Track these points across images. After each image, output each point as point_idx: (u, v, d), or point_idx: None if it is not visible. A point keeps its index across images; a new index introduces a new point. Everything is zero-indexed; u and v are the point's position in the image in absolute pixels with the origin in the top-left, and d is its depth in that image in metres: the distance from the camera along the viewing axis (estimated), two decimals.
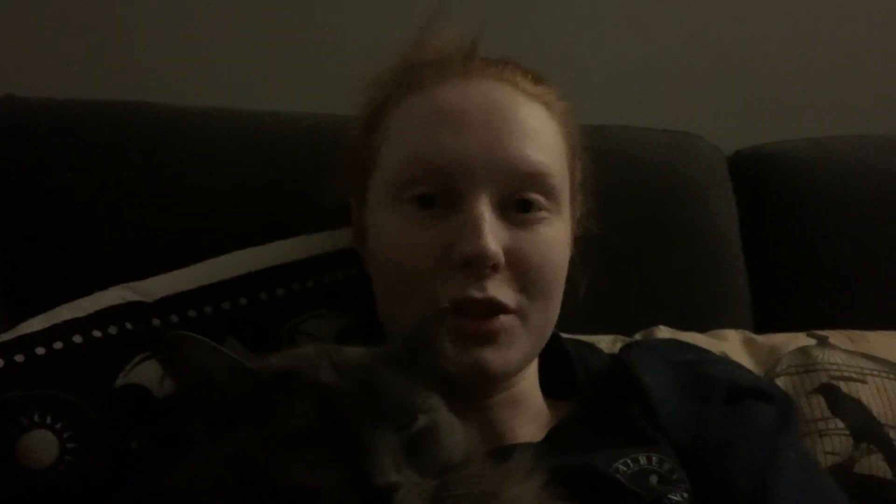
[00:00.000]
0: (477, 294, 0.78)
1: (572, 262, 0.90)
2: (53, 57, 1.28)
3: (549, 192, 0.83)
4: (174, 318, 0.89)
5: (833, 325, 1.11)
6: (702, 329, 1.10)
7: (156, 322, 0.89)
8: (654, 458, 0.78)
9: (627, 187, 1.15)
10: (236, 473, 0.59)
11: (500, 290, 0.79)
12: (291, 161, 1.07)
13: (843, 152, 1.27)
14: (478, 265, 0.78)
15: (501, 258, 0.79)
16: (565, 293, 0.87)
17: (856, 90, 1.47)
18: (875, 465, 0.99)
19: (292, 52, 1.33)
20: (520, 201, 0.82)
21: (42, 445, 0.80)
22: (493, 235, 0.79)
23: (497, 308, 0.79)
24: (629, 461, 0.77)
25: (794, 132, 1.30)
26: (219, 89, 1.28)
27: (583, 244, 0.93)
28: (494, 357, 0.80)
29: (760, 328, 1.15)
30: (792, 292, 1.20)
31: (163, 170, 1.06)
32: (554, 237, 0.84)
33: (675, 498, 0.74)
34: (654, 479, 0.76)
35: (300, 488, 0.58)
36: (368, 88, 0.92)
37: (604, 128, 1.16)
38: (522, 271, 0.81)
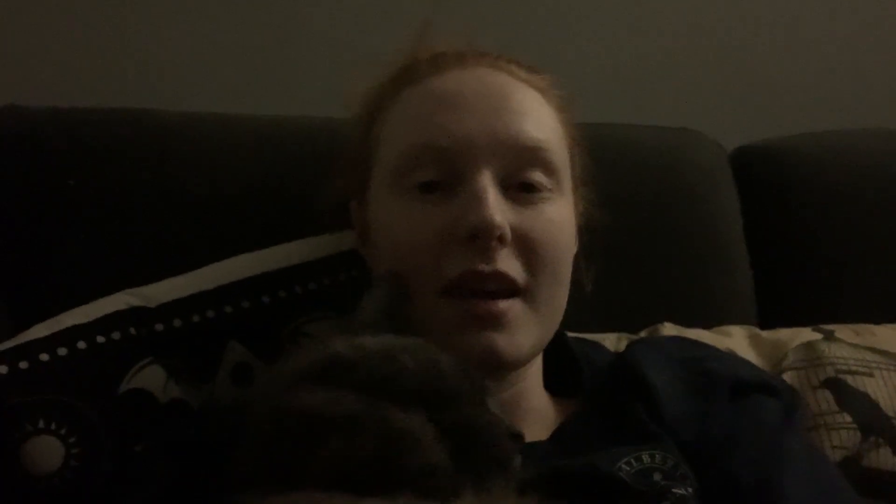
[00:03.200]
0: (485, 267, 0.78)
1: (577, 259, 0.90)
2: (55, 66, 1.29)
3: (549, 169, 0.83)
4: (177, 323, 0.90)
5: (838, 320, 1.10)
6: (707, 326, 1.10)
7: (159, 327, 0.89)
8: (657, 455, 0.77)
9: (629, 185, 1.15)
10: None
11: (507, 263, 0.79)
12: (291, 165, 1.07)
13: (845, 146, 1.26)
14: (484, 237, 0.77)
15: (507, 230, 0.78)
16: (571, 291, 0.87)
17: (857, 84, 1.46)
18: (884, 458, 0.98)
19: (291, 56, 1.34)
20: (523, 181, 0.82)
21: (47, 451, 0.81)
22: (498, 208, 0.78)
23: (505, 283, 0.79)
24: (632, 460, 0.76)
25: (795, 127, 1.30)
26: (219, 95, 1.28)
27: (587, 239, 0.93)
28: (505, 342, 0.79)
29: (765, 324, 1.14)
30: (796, 287, 1.20)
31: (164, 176, 1.06)
32: (558, 216, 0.84)
33: (680, 491, 0.73)
34: (657, 476, 0.75)
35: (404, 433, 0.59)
36: (366, 90, 0.93)
37: (605, 126, 1.16)
38: (528, 249, 0.80)
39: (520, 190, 0.82)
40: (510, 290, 0.79)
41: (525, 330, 0.80)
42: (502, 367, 0.81)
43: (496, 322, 0.79)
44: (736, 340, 1.07)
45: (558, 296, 0.84)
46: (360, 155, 0.90)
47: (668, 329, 1.08)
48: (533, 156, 0.82)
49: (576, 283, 0.88)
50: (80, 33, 1.30)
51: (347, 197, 0.93)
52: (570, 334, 0.96)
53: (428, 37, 0.92)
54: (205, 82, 1.31)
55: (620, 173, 1.13)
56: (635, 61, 1.41)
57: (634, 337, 1.07)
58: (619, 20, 1.42)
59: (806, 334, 1.07)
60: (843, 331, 1.08)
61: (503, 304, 0.79)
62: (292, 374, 0.63)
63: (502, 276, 0.78)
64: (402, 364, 0.62)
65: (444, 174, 0.81)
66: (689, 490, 0.74)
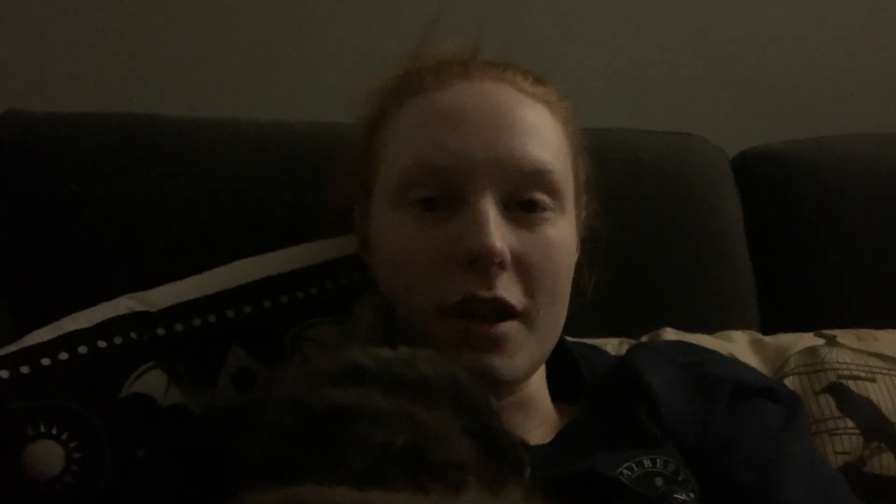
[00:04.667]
0: (484, 293, 0.78)
1: (579, 264, 0.90)
2: (56, 71, 1.29)
3: (552, 191, 0.83)
4: (179, 327, 0.89)
5: (841, 325, 1.10)
6: (709, 331, 1.10)
7: (160, 332, 0.89)
8: (658, 460, 0.77)
9: (631, 190, 1.15)
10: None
11: (506, 289, 0.79)
12: (294, 169, 1.07)
13: (846, 151, 1.26)
14: (484, 263, 0.77)
15: (507, 255, 0.78)
16: (572, 296, 0.87)
17: (859, 89, 1.46)
18: (886, 463, 0.98)
19: (293, 60, 1.34)
20: (524, 201, 0.81)
21: (48, 456, 0.81)
22: (499, 233, 0.78)
23: (504, 309, 0.78)
24: (633, 465, 0.76)
25: (797, 132, 1.30)
26: (220, 99, 1.29)
27: (588, 246, 0.93)
28: (502, 364, 0.79)
29: (767, 329, 1.14)
30: (799, 292, 1.20)
31: (165, 180, 1.06)
32: (559, 238, 0.83)
33: (681, 497, 0.73)
34: (659, 481, 0.75)
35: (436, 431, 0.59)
36: (370, 97, 0.92)
37: (607, 131, 1.16)
38: (528, 273, 0.80)
39: (521, 210, 0.81)
40: (509, 313, 0.79)
41: (523, 350, 0.80)
42: (499, 387, 0.80)
43: (494, 345, 0.79)
44: (738, 345, 1.07)
45: (557, 314, 0.84)
46: (362, 162, 0.89)
47: (670, 334, 1.08)
48: (536, 178, 0.82)
49: (577, 289, 0.88)
50: (80, 38, 1.30)
51: (350, 201, 0.93)
52: (572, 339, 0.95)
53: (432, 41, 0.92)
54: (206, 87, 1.31)
55: (623, 178, 1.13)
56: (637, 66, 1.42)
57: (636, 342, 1.06)
58: (622, 25, 1.42)
59: (808, 339, 1.07)
60: (845, 336, 1.08)
61: (502, 328, 0.79)
62: (311, 377, 0.63)
63: (501, 303, 0.78)
64: (422, 370, 0.62)
65: (445, 192, 0.81)
66: (691, 495, 0.74)
